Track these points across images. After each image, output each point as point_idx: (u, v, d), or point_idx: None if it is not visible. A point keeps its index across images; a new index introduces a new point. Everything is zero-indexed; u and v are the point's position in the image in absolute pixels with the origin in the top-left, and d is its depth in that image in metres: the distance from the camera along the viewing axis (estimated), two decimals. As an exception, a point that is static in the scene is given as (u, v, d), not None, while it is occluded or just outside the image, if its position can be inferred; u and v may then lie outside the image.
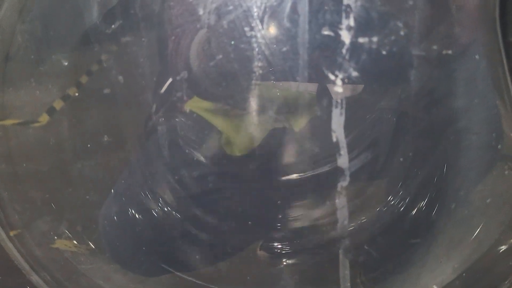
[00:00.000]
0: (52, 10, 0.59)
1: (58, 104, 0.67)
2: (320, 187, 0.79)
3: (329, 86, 0.58)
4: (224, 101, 0.73)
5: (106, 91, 0.66)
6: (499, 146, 0.63)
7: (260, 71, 0.57)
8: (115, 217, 0.74)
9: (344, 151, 0.55)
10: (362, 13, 0.50)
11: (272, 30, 0.56)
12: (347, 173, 0.57)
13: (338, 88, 0.52)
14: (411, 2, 0.51)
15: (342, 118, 0.54)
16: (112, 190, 0.74)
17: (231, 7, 0.54)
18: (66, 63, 0.62)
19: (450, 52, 0.56)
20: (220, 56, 0.59)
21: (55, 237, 0.68)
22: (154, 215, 0.76)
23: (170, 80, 0.66)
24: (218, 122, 0.77)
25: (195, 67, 0.65)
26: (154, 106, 0.69)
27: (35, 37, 0.60)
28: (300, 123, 0.76)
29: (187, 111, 0.74)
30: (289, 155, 0.81)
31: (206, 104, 0.75)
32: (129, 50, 0.63)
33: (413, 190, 0.74)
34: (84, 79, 0.68)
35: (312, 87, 0.70)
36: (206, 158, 0.78)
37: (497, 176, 0.67)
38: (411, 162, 0.71)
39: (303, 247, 0.79)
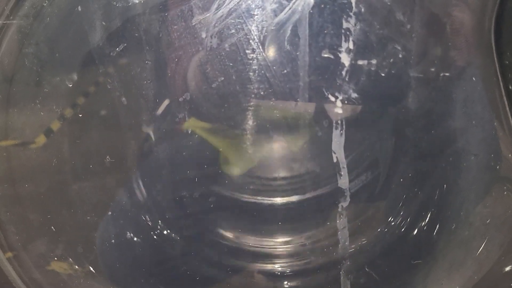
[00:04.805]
0: (57, 33, 0.60)
1: (55, 125, 0.68)
2: (320, 208, 0.79)
3: (329, 107, 0.59)
4: (222, 122, 0.74)
5: (103, 112, 0.66)
6: (497, 167, 0.63)
7: (261, 93, 0.58)
8: (112, 239, 0.74)
9: (344, 172, 0.56)
10: (361, 36, 0.51)
11: (273, 53, 0.57)
12: (348, 193, 0.57)
13: (338, 109, 0.53)
14: (408, 26, 0.53)
15: (343, 139, 0.54)
16: (109, 211, 0.74)
17: (233, 31, 0.55)
18: (70, 85, 0.62)
19: (447, 74, 0.58)
20: (222, 78, 0.60)
21: (54, 258, 0.68)
22: (151, 236, 0.76)
23: (167, 101, 0.67)
24: (216, 141, 0.77)
25: (193, 89, 0.65)
26: (152, 127, 0.70)
27: (40, 59, 0.61)
28: (298, 143, 0.77)
29: (185, 131, 0.74)
30: (287, 176, 0.81)
31: (204, 123, 0.75)
32: (128, 72, 0.63)
33: (413, 211, 0.74)
34: (80, 100, 0.68)
35: (310, 107, 0.71)
36: (204, 177, 0.78)
37: (497, 197, 0.67)
38: (411, 183, 0.72)
39: (304, 269, 0.79)
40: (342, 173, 0.56)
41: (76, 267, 0.69)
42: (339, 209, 0.59)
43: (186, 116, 0.68)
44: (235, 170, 0.79)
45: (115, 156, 0.71)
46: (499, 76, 0.56)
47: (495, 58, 0.55)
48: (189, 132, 0.74)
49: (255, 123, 0.68)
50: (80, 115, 0.67)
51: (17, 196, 0.66)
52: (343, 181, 0.57)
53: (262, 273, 0.79)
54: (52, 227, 0.68)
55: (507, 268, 0.65)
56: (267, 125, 0.70)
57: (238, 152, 0.76)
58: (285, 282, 0.78)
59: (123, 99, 0.64)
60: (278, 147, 0.77)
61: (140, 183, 0.77)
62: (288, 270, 0.79)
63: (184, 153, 0.77)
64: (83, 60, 0.64)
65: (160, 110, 0.68)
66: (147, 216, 0.76)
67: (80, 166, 0.70)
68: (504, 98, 0.56)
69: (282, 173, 0.81)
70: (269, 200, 0.81)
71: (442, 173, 0.70)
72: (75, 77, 0.63)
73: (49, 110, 0.65)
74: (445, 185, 0.71)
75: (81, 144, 0.70)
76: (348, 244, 0.65)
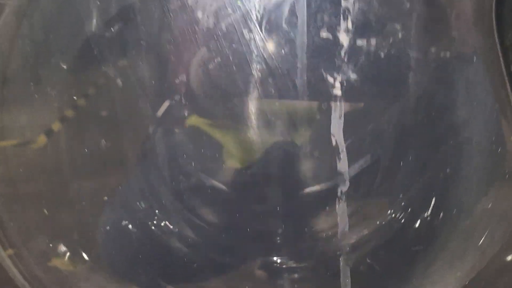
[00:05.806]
0: (52, 15, 0.60)
1: (56, 126, 0.68)
2: (321, 200, 0.79)
3: (327, 88, 0.58)
4: (224, 118, 0.74)
5: (104, 113, 0.66)
6: (499, 151, 0.63)
7: (259, 74, 0.58)
8: (112, 231, 0.73)
9: (343, 155, 0.55)
10: (360, 15, 0.51)
11: (271, 33, 0.56)
12: (347, 177, 0.56)
13: (337, 90, 0.52)
14: (408, 5, 0.52)
15: (341, 122, 0.54)
16: (110, 204, 0.74)
17: (229, 10, 0.55)
18: (65, 67, 0.62)
19: (447, 54, 0.57)
20: (219, 59, 0.59)
21: (55, 255, 0.68)
22: (150, 228, 0.75)
23: (168, 100, 0.67)
24: (219, 135, 0.77)
25: (194, 87, 0.65)
26: (153, 123, 0.70)
27: (35, 42, 0.61)
28: (302, 137, 0.76)
29: (187, 126, 0.74)
30: (290, 169, 0.81)
31: (206, 120, 0.75)
32: (128, 70, 0.63)
33: (415, 201, 0.73)
34: (81, 101, 0.68)
35: (314, 106, 0.71)
36: (205, 171, 0.78)
37: (499, 184, 0.67)
38: (412, 169, 0.71)
39: (304, 261, 0.78)
40: (341, 156, 0.56)
41: (77, 263, 0.69)
42: (338, 194, 0.58)
43: (187, 113, 0.68)
44: (238, 162, 0.79)
45: (116, 153, 0.71)
46: (501, 59, 0.55)
47: (497, 40, 0.54)
48: (192, 127, 0.74)
49: (257, 117, 0.68)
50: (80, 115, 0.67)
51: (16, 194, 0.66)
52: (342, 165, 0.56)
53: (261, 264, 0.79)
54: (53, 224, 0.68)
55: (510, 257, 0.64)
56: (270, 120, 0.70)
57: (241, 145, 0.76)
58: (284, 275, 0.78)
59: (121, 97, 0.64)
60: (281, 140, 0.77)
61: (140, 176, 0.76)
62: (287, 260, 0.78)
63: (184, 149, 0.77)
64: (82, 46, 0.64)
65: (161, 108, 0.68)
66: (145, 207, 0.76)
67: (80, 165, 0.70)
68: (506, 80, 0.55)
69: (284, 167, 0.80)
70: (269, 193, 0.80)
71: (444, 160, 0.70)
72: (70, 60, 0.62)
73: (46, 110, 0.65)
74: (447, 173, 0.70)
75: (82, 143, 0.70)
76: (347, 231, 0.64)
